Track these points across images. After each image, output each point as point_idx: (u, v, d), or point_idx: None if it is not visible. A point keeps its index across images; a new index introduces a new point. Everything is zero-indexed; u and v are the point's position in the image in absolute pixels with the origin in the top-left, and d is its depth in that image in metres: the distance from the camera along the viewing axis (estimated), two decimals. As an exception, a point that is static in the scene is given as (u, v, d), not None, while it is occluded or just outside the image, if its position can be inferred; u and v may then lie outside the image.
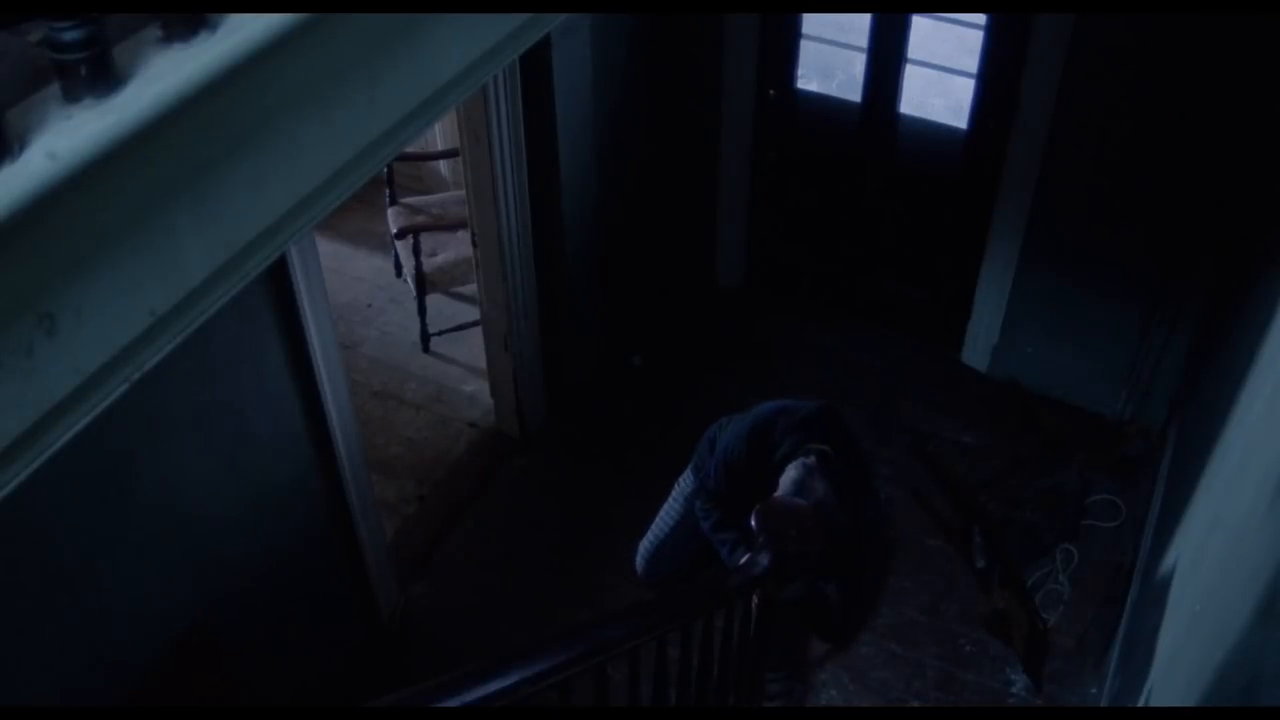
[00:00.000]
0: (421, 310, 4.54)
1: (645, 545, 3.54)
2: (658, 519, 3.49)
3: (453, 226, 4.47)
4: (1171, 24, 3.39)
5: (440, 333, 4.62)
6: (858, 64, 4.19)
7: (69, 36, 0.84)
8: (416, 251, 4.38)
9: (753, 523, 2.83)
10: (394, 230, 4.49)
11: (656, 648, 2.62)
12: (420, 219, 4.52)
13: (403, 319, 4.75)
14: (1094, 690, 3.44)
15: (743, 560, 2.84)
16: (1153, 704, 2.48)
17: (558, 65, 3.50)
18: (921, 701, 3.46)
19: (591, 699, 2.48)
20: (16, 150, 0.81)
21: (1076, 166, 3.85)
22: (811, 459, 2.91)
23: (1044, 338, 4.28)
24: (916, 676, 3.52)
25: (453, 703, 2.13)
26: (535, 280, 3.94)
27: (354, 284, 4.95)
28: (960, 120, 4.13)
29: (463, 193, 3.97)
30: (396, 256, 4.79)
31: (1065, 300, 4.15)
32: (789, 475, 2.89)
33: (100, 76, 0.86)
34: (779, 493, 2.85)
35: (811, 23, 4.16)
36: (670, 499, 3.45)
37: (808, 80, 4.48)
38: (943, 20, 3.94)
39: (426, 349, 4.63)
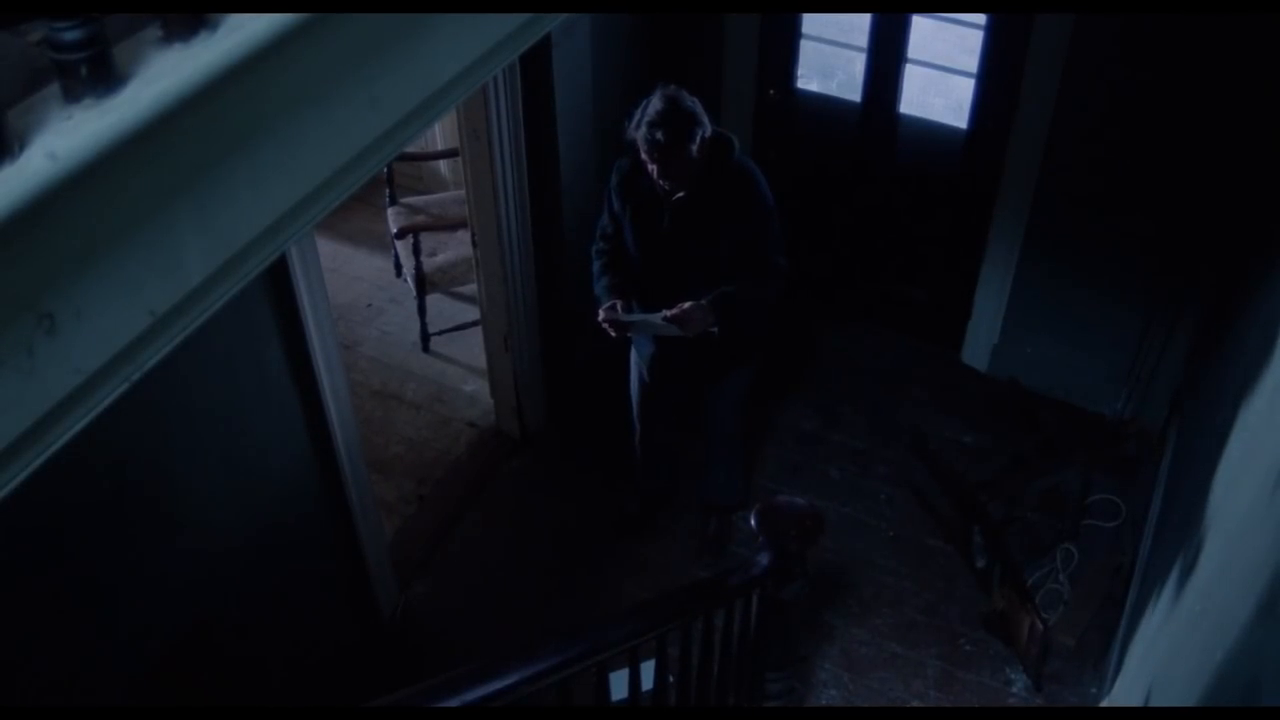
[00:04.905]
0: (421, 310, 4.54)
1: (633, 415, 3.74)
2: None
3: (453, 226, 4.47)
4: (1172, 24, 3.39)
5: (440, 333, 4.62)
6: (858, 64, 4.19)
7: (69, 36, 0.84)
8: (416, 251, 4.38)
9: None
10: (394, 230, 4.49)
11: (657, 647, 2.62)
12: (420, 219, 4.52)
13: (403, 319, 4.75)
14: (1094, 690, 3.44)
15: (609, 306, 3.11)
16: (1153, 704, 2.48)
17: (558, 64, 3.50)
18: (921, 701, 3.46)
19: (592, 699, 2.48)
20: (16, 150, 0.81)
21: (1076, 166, 3.85)
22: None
23: (1044, 338, 4.28)
24: (916, 676, 3.53)
25: (453, 703, 2.14)
26: (535, 280, 3.94)
27: (354, 284, 4.95)
28: (960, 120, 4.13)
29: (463, 193, 3.97)
30: (396, 256, 4.79)
31: (1065, 300, 4.15)
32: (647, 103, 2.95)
33: (100, 76, 0.86)
34: (638, 115, 2.93)
35: (811, 23, 4.16)
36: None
37: (808, 80, 4.48)
38: (943, 20, 3.94)
39: (426, 349, 4.63)
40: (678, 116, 2.89)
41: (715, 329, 3.07)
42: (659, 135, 2.87)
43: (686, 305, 3.02)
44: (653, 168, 2.96)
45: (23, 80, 0.87)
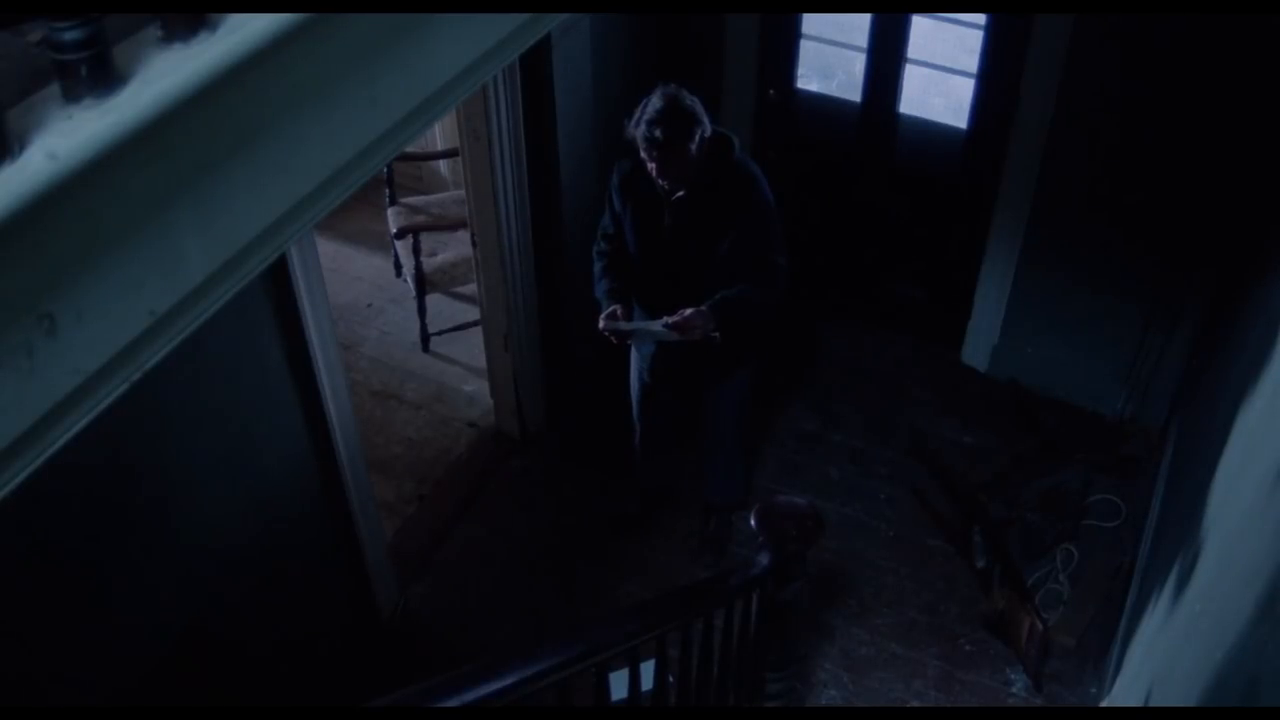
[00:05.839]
0: (421, 310, 4.54)
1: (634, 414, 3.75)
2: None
3: (453, 226, 4.47)
4: (1172, 24, 3.39)
5: (440, 333, 4.62)
6: (858, 64, 4.19)
7: (69, 36, 0.84)
8: (416, 251, 4.38)
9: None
10: (394, 230, 4.49)
11: (657, 647, 2.62)
12: (420, 219, 4.52)
13: (403, 319, 4.75)
14: (1094, 690, 3.44)
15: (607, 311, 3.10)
16: (1153, 704, 2.48)
17: (558, 65, 3.50)
18: (921, 701, 3.46)
19: (592, 699, 2.48)
20: (16, 150, 0.81)
21: (1076, 166, 3.85)
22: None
23: (1044, 338, 4.28)
24: (916, 676, 3.53)
25: (453, 703, 2.13)
26: (535, 280, 3.94)
27: (354, 284, 4.95)
28: (960, 120, 4.13)
29: (463, 193, 3.97)
30: (396, 256, 4.79)
31: (1065, 300, 4.15)
32: (648, 103, 2.94)
33: (100, 76, 0.86)
34: (638, 114, 2.93)
35: (811, 23, 4.16)
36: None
37: (808, 80, 4.48)
38: (943, 20, 3.94)
39: (426, 349, 4.63)
40: (677, 115, 2.88)
41: (717, 334, 3.06)
42: (658, 133, 2.87)
43: (688, 312, 3.02)
44: (652, 166, 2.96)
45: (23, 80, 0.87)
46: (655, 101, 2.90)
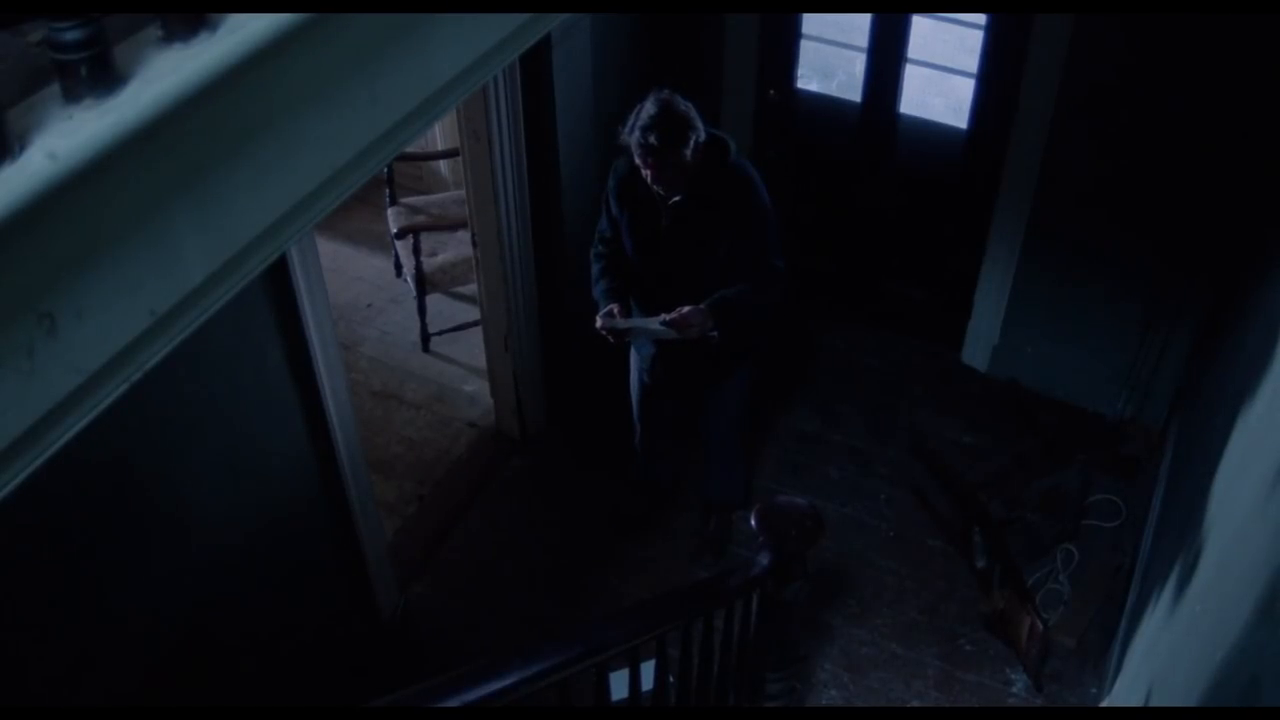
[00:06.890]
0: (421, 310, 4.54)
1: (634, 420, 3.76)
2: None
3: (453, 226, 4.47)
4: (1172, 24, 3.39)
5: (440, 333, 4.62)
6: (858, 64, 4.19)
7: (69, 37, 0.84)
8: (416, 251, 4.38)
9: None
10: (394, 230, 4.49)
11: (657, 648, 2.62)
12: (420, 219, 4.52)
13: (403, 319, 4.75)
14: (1094, 690, 3.44)
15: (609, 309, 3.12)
16: (1153, 704, 2.48)
17: (558, 65, 3.50)
18: (921, 701, 3.46)
19: (592, 699, 2.48)
20: (16, 150, 0.81)
21: (1076, 166, 3.85)
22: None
23: (1044, 338, 4.28)
24: (916, 676, 3.53)
25: (453, 703, 2.14)
26: (535, 280, 3.94)
27: (354, 284, 4.95)
28: (960, 120, 4.13)
29: (463, 193, 3.98)
30: (396, 256, 4.80)
31: (1065, 300, 4.15)
32: (642, 108, 2.92)
33: (100, 76, 0.86)
34: (632, 120, 2.92)
35: (811, 23, 4.17)
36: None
37: (808, 80, 4.48)
38: (943, 20, 3.94)
39: (426, 349, 4.63)
40: (671, 121, 2.87)
41: (714, 333, 3.06)
42: (652, 139, 2.86)
43: (685, 309, 3.02)
44: (647, 172, 2.96)
45: (23, 80, 0.87)
46: (649, 107, 2.89)
